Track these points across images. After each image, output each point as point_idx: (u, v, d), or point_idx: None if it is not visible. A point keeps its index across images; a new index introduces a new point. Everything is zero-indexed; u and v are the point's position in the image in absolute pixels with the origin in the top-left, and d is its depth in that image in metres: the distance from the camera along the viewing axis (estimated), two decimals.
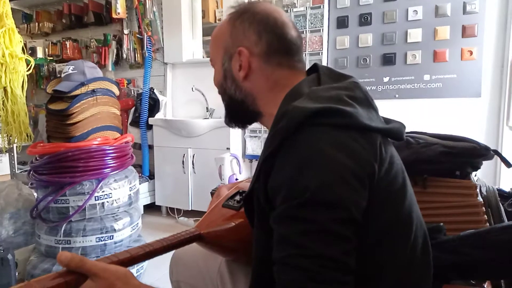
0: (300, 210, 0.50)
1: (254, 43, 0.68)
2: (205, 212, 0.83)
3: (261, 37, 0.68)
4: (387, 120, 0.65)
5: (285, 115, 0.56)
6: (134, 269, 1.73)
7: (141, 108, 2.99)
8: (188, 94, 3.05)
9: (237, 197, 0.81)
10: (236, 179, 2.48)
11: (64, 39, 3.48)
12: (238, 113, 0.75)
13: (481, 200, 1.16)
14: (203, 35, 3.19)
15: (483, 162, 1.19)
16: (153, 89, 3.09)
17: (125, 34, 3.17)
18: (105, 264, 0.54)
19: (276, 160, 0.55)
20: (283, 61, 0.69)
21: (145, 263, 1.83)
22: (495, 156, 1.16)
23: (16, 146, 2.05)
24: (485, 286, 1.05)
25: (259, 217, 0.61)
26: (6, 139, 1.95)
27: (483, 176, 1.35)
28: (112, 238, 1.69)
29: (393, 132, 0.62)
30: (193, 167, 2.75)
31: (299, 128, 0.53)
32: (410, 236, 0.60)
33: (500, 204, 1.24)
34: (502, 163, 1.17)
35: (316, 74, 0.68)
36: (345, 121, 0.54)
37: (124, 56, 3.19)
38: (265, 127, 0.78)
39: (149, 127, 2.99)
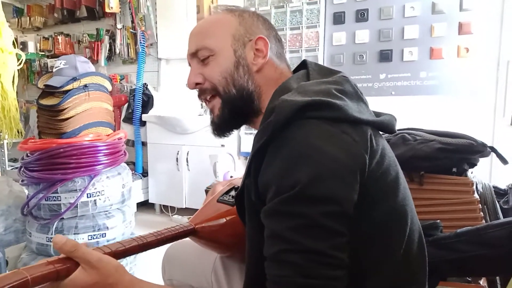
0: (291, 205, 0.49)
1: (266, 35, 0.68)
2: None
3: (270, 33, 0.70)
4: (378, 114, 0.65)
5: (274, 110, 0.55)
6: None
7: (134, 104, 2.96)
8: (182, 90, 3.02)
9: (232, 193, 0.80)
10: (231, 177, 2.46)
11: (56, 34, 3.43)
12: (243, 109, 0.68)
13: (478, 197, 1.16)
14: None
15: (479, 159, 1.19)
16: (147, 85, 3.05)
17: (118, 29, 3.13)
18: (99, 254, 0.53)
19: (266, 155, 0.54)
20: (283, 57, 0.71)
21: (137, 262, 1.81)
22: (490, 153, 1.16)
23: (7, 143, 2.01)
24: (481, 282, 1.05)
25: (250, 214, 0.60)
26: None
27: (478, 173, 1.35)
28: (105, 236, 1.67)
29: (384, 124, 0.62)
30: (187, 164, 2.73)
31: (289, 122, 0.53)
32: (405, 230, 0.59)
33: (496, 201, 1.24)
34: (497, 160, 1.16)
35: (305, 70, 0.67)
36: (334, 114, 0.54)
37: (117, 51, 3.16)
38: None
39: (143, 123, 2.96)
